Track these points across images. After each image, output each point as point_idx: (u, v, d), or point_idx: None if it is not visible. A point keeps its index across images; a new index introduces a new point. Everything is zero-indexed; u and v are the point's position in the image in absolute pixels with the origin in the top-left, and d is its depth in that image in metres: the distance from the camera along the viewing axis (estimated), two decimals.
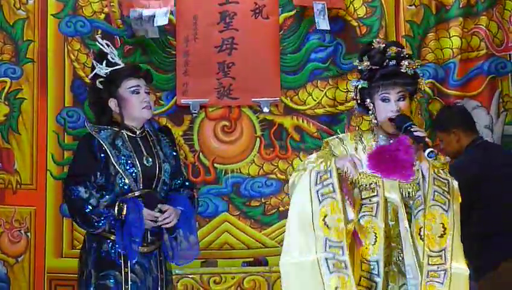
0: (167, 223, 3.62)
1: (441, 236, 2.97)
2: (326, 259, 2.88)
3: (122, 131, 3.66)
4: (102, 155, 3.60)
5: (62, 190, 3.69)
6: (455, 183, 3.05)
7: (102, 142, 3.60)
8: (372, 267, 3.01)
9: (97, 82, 3.72)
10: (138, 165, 3.61)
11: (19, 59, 5.18)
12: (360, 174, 3.04)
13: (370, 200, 3.06)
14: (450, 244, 2.97)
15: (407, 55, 3.06)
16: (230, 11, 5.31)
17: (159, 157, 3.69)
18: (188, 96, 5.29)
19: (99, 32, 5.27)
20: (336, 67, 5.35)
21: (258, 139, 5.37)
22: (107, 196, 3.56)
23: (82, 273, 3.62)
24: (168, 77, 5.33)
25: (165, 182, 3.70)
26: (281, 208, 5.30)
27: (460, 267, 2.98)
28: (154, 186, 3.66)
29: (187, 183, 3.88)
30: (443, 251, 2.96)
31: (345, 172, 2.96)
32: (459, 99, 5.25)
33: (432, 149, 2.87)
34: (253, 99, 5.32)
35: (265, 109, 5.31)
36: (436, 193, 2.98)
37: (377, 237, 3.01)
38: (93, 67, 3.78)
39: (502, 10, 5.28)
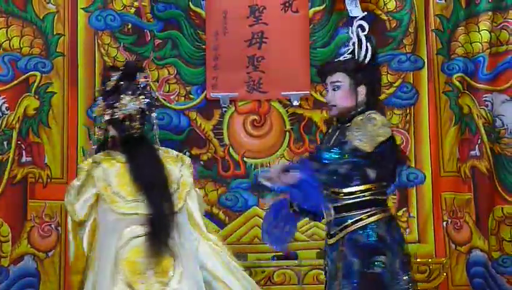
0: None
1: None
2: None
3: None
4: None
5: None
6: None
7: None
8: None
9: None
10: None
11: (49, 53, 5.16)
12: None
13: None
14: None
15: None
16: (259, 5, 5.30)
17: None
18: (218, 90, 5.28)
19: (129, 26, 5.27)
20: None
21: (287, 133, 5.37)
22: None
23: None
24: (198, 70, 5.32)
25: None
26: None
27: None
28: None
29: None
30: None
31: None
32: (488, 93, 5.26)
33: None
34: (282, 93, 5.32)
35: (295, 103, 5.31)
36: None
37: None
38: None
39: None
